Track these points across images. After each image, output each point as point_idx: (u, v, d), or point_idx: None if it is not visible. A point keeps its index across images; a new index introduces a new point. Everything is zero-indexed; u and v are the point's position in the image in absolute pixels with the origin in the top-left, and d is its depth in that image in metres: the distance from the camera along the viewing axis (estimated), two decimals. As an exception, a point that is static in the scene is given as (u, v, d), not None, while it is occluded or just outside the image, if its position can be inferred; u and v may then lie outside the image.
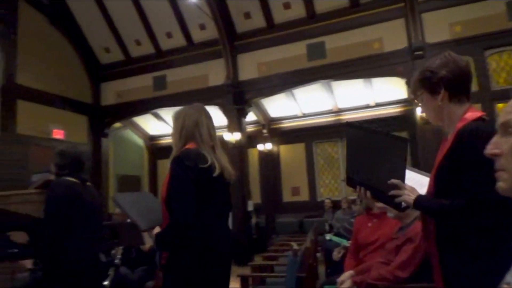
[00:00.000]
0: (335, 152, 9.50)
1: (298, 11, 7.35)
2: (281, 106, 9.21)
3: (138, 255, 3.60)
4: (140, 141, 10.61)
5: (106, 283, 3.07)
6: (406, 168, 1.45)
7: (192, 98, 8.10)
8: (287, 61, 7.47)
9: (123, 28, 8.41)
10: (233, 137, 7.56)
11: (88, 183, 2.68)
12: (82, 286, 2.45)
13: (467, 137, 1.32)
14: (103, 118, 8.74)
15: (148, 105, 8.61)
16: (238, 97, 7.72)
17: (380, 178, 1.46)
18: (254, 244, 7.73)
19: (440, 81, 1.41)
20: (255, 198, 9.31)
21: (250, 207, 7.84)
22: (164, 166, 10.80)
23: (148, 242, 3.13)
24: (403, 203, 1.41)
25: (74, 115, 8.18)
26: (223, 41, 7.68)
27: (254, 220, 8.63)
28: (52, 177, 3.44)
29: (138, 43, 8.55)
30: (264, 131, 9.76)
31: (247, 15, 7.68)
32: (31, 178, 6.41)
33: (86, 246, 2.49)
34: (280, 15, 7.52)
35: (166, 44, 8.44)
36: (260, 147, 9.73)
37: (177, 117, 1.97)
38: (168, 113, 9.67)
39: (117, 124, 9.25)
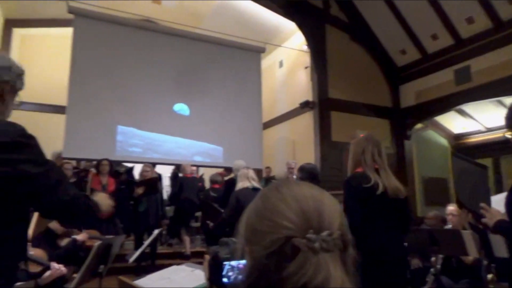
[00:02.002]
0: None
1: None
2: None
3: (458, 266, 3.38)
4: (444, 141, 10.00)
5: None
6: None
7: (505, 87, 7.02)
8: None
9: (417, 26, 8.22)
10: None
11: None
12: None
13: None
14: (404, 120, 8.81)
15: (450, 102, 8.01)
16: None
17: (477, 202, 1.66)
18: None
19: None
20: None
21: None
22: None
23: (472, 254, 2.89)
24: None
25: (377, 120, 8.65)
26: (546, 10, 6.19)
27: None
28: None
29: (434, 37, 8.13)
30: None
31: None
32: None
33: None
34: None
35: (466, 31, 7.62)
36: None
37: (350, 146, 2.40)
38: (475, 108, 8.67)
39: (419, 125, 9.09)
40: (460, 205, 1.89)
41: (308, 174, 3.52)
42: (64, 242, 3.35)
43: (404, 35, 8.45)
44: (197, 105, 7.72)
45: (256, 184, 3.95)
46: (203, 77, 7.87)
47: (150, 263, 5.33)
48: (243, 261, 0.71)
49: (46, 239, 3.10)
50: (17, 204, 1.27)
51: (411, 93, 8.81)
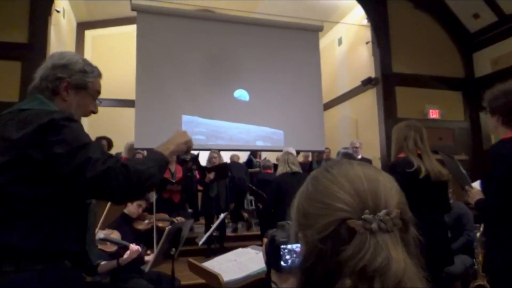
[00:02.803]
0: None
1: None
2: None
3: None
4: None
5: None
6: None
7: None
8: None
9: (493, -14, 7.44)
10: None
11: None
12: None
13: (488, 155, 1.92)
14: (479, 91, 8.09)
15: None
16: None
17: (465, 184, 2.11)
18: None
19: (496, 108, 1.89)
20: None
21: None
22: None
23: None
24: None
25: (448, 93, 8.06)
26: None
27: None
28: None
29: (510, -5, 7.32)
30: None
31: None
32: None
33: None
34: None
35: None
36: None
37: (393, 132, 2.57)
38: None
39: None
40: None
41: (342, 156, 3.89)
42: (139, 225, 3.61)
43: (477, -3, 7.71)
44: (256, 90, 7.77)
45: (295, 168, 4.07)
46: (261, 61, 7.88)
47: (219, 246, 5.55)
48: (299, 245, 0.71)
49: (123, 223, 3.37)
50: (64, 189, 1.23)
51: (486, 61, 8.06)
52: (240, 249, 2.16)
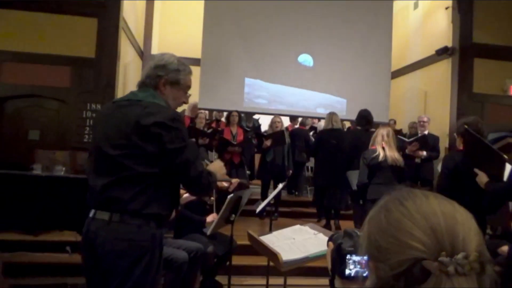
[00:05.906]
0: None
1: None
2: None
3: None
4: None
5: None
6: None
7: None
8: None
9: None
10: None
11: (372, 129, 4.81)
12: None
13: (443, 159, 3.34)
14: None
15: None
16: None
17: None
18: None
19: (459, 133, 2.83)
20: None
21: None
22: None
23: None
24: None
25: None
26: None
27: None
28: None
29: None
30: None
31: None
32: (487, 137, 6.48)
33: None
34: None
35: None
36: None
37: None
38: None
39: None
40: None
41: (361, 118, 5.06)
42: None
43: None
44: (321, 55, 7.57)
45: (336, 125, 5.40)
46: (329, 25, 7.59)
47: (274, 209, 5.73)
48: (366, 257, 0.73)
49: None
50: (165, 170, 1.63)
51: None
52: (298, 226, 2.23)
